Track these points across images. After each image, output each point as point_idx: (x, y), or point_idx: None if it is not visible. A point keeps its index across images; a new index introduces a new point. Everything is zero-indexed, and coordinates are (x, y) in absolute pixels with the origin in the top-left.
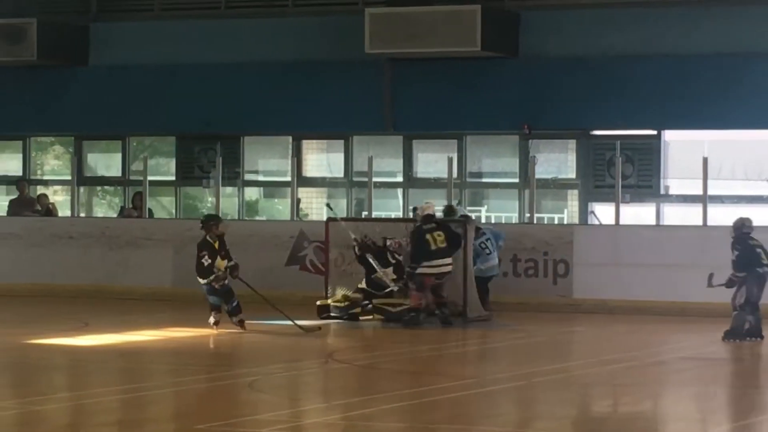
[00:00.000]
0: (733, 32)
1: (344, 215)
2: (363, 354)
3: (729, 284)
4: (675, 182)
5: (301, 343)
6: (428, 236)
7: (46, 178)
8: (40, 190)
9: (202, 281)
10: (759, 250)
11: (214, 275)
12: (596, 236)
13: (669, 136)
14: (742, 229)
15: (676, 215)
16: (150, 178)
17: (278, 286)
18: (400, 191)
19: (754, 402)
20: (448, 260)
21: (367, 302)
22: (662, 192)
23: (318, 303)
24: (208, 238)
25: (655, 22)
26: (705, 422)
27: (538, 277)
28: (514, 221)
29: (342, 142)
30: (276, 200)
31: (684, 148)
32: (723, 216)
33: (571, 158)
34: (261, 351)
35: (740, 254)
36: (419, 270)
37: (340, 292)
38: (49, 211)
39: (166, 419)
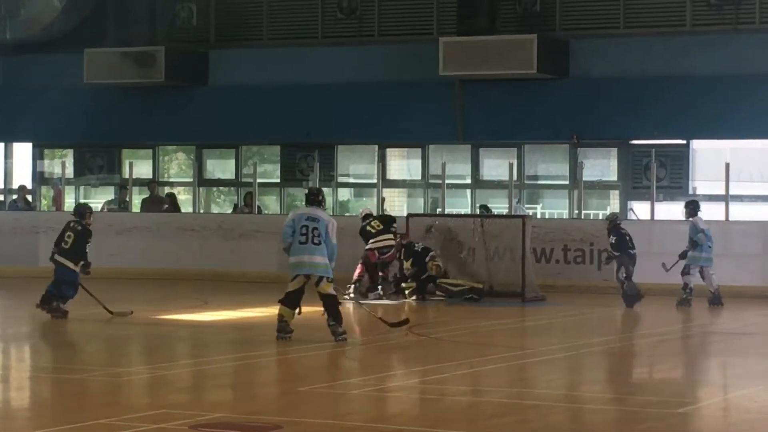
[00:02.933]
0: (752, 56)
1: (422, 212)
2: (436, 328)
3: (607, 261)
4: (701, 183)
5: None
6: (368, 227)
7: (172, 180)
8: (167, 190)
9: None
10: (627, 237)
11: None
12: (635, 229)
13: (696, 144)
14: (615, 221)
15: (703, 212)
16: (259, 180)
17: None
18: (468, 192)
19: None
20: (387, 236)
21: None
22: (690, 192)
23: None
24: None
25: (684, 47)
26: (727, 387)
27: (585, 264)
28: (564, 217)
29: (420, 150)
30: (364, 199)
31: (709, 155)
32: (742, 212)
33: (613, 163)
34: (351, 326)
35: (616, 240)
36: (366, 248)
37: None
38: (176, 203)
39: (274, 383)
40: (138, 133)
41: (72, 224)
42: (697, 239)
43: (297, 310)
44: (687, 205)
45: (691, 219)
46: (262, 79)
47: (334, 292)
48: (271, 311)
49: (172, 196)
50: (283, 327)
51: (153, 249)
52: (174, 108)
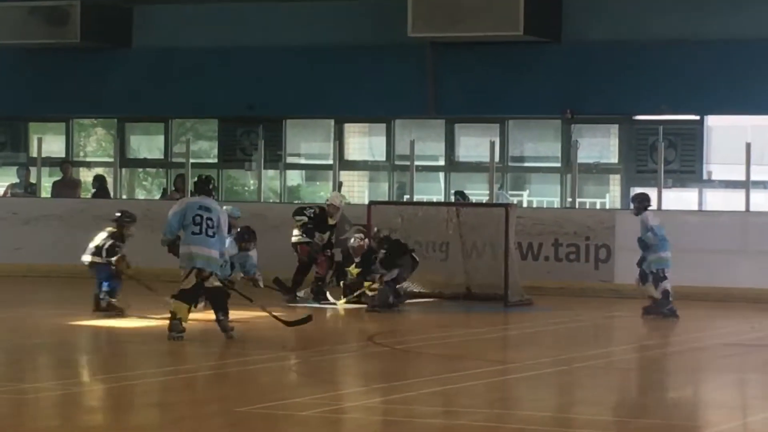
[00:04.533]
0: None
1: (386, 199)
2: (403, 337)
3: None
4: (717, 167)
5: (343, 327)
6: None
7: (88, 159)
8: (83, 171)
9: None
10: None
11: None
12: (639, 221)
13: (712, 121)
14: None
15: (719, 200)
16: (192, 160)
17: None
18: (441, 175)
19: None
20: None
21: None
22: (705, 177)
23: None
24: None
25: (698, 6)
26: (746, 409)
27: (580, 262)
28: (555, 206)
29: (384, 125)
30: (318, 183)
31: (727, 134)
32: (766, 202)
33: (614, 143)
34: (302, 334)
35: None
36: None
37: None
38: (105, 188)
39: (208, 401)
40: (48, 103)
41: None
42: (646, 238)
43: (193, 305)
44: (634, 200)
45: (639, 216)
46: (197, 40)
47: (219, 284)
48: (204, 316)
49: (100, 180)
50: (175, 326)
51: (65, 242)
52: (91, 74)
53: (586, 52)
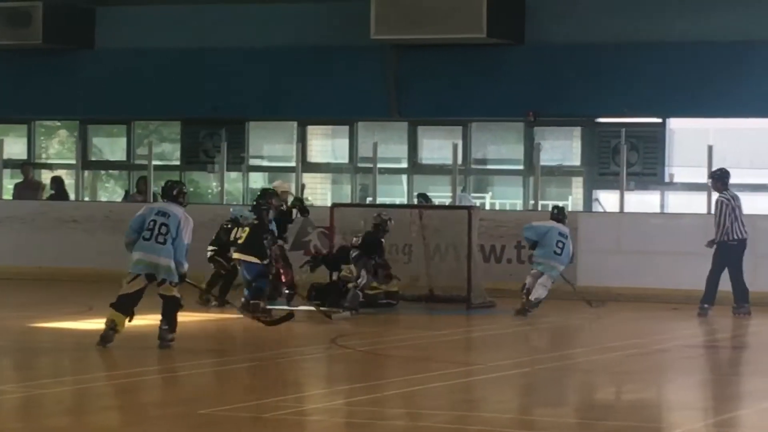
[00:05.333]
0: (740, 19)
1: (349, 201)
2: (366, 340)
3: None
4: (679, 170)
5: (306, 329)
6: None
7: (51, 162)
8: (45, 173)
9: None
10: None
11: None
12: (601, 224)
13: (674, 124)
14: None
15: (681, 203)
16: (155, 162)
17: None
18: (404, 177)
19: (755, 389)
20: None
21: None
22: (667, 180)
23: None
24: None
25: (662, 9)
26: (707, 410)
27: None
28: (518, 208)
29: (347, 128)
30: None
31: (689, 136)
32: None
33: (576, 145)
34: (267, 336)
35: None
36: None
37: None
38: (63, 190)
39: (170, 404)
40: (10, 105)
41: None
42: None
43: (129, 318)
44: None
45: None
46: (160, 42)
47: (177, 295)
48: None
49: (58, 181)
50: (108, 336)
51: (27, 244)
52: (54, 75)
53: (549, 55)
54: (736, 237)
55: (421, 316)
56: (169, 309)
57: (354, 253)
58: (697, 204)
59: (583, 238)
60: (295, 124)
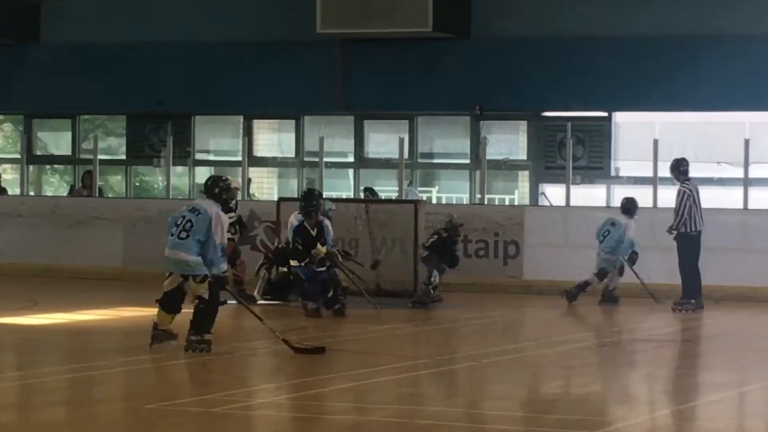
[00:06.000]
0: (684, 15)
1: (295, 195)
2: (312, 335)
3: None
4: (625, 164)
5: (255, 324)
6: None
7: None
8: None
9: None
10: None
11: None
12: (547, 217)
13: (620, 117)
14: None
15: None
16: (100, 156)
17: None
18: (351, 171)
19: (702, 383)
20: None
21: None
22: (613, 174)
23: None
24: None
25: (608, 4)
26: (654, 403)
27: (489, 258)
28: (464, 202)
29: (293, 122)
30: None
31: (635, 130)
32: (673, 198)
33: (522, 139)
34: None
35: None
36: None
37: None
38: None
39: (117, 399)
40: None
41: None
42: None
43: (175, 313)
44: None
45: None
46: (105, 36)
47: (203, 294)
48: (114, 314)
49: None
50: (157, 335)
51: None
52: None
53: (495, 49)
54: (695, 228)
55: (368, 311)
56: (195, 308)
57: (425, 254)
58: (644, 197)
59: (529, 232)
60: (241, 118)
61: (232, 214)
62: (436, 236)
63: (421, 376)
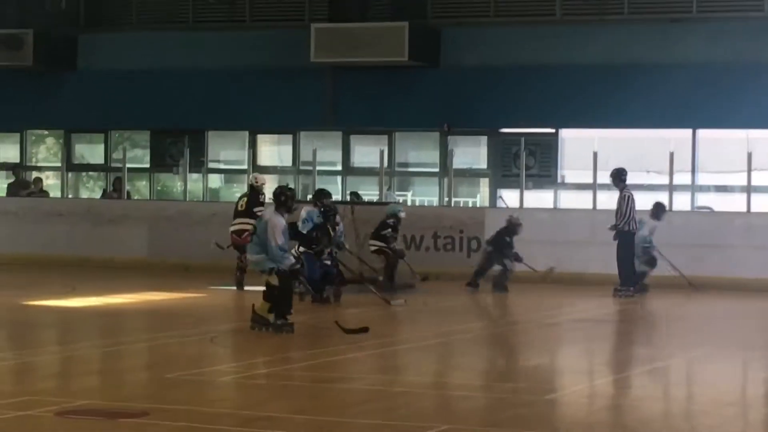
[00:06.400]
0: (619, 48)
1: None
2: (307, 316)
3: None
4: (570, 172)
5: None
6: (239, 201)
7: (40, 165)
8: (35, 175)
9: None
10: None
11: None
12: (503, 217)
13: (565, 133)
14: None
15: (571, 200)
16: (128, 165)
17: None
18: (339, 178)
19: (633, 357)
20: (244, 220)
21: None
22: (559, 180)
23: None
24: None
25: (554, 37)
26: (592, 374)
27: (455, 252)
28: (435, 204)
29: (291, 136)
30: (235, 186)
31: (577, 144)
32: (609, 201)
33: (483, 152)
34: (222, 312)
35: None
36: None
37: None
38: (43, 191)
39: (141, 369)
40: (5, 117)
41: None
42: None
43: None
44: None
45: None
46: (132, 64)
47: (273, 282)
48: (140, 298)
49: (40, 180)
50: (256, 317)
51: (19, 234)
52: (42, 93)
53: (460, 76)
54: (634, 227)
55: (352, 295)
56: (264, 296)
57: (488, 248)
58: (584, 201)
59: (488, 230)
60: (246, 133)
61: (260, 208)
62: (496, 233)
63: (398, 350)
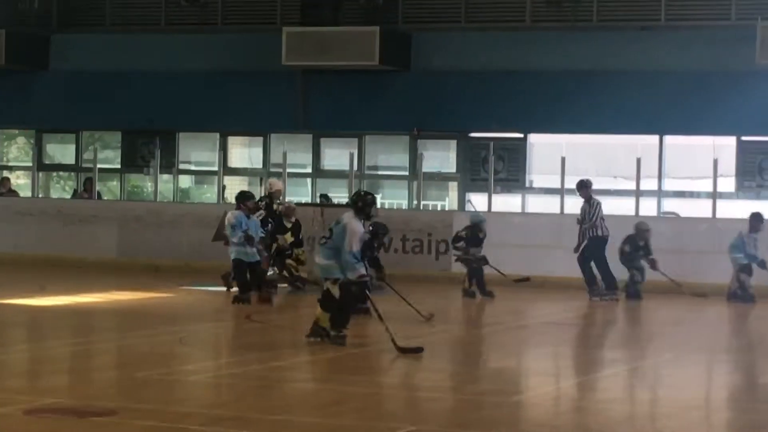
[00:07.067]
0: (586, 55)
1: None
2: (277, 315)
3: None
4: (538, 177)
5: (225, 306)
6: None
7: (11, 164)
8: (5, 174)
9: None
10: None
11: None
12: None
13: (533, 138)
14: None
15: (539, 204)
16: (99, 165)
17: (207, 257)
18: (309, 180)
19: (599, 360)
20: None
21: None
22: (527, 185)
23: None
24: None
25: (523, 43)
26: (559, 376)
27: (423, 254)
28: (404, 207)
29: (261, 138)
30: (205, 186)
31: (546, 149)
32: (577, 205)
33: (452, 156)
34: (190, 312)
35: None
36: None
37: None
38: (12, 191)
39: (110, 368)
40: None
41: None
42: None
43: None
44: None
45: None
46: (104, 65)
47: (334, 293)
48: (109, 297)
49: (8, 180)
50: (314, 331)
51: None
52: (14, 92)
53: (430, 80)
54: (605, 233)
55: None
56: (327, 305)
57: (626, 249)
58: (552, 205)
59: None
60: (217, 135)
61: (261, 211)
62: (628, 238)
63: (368, 352)
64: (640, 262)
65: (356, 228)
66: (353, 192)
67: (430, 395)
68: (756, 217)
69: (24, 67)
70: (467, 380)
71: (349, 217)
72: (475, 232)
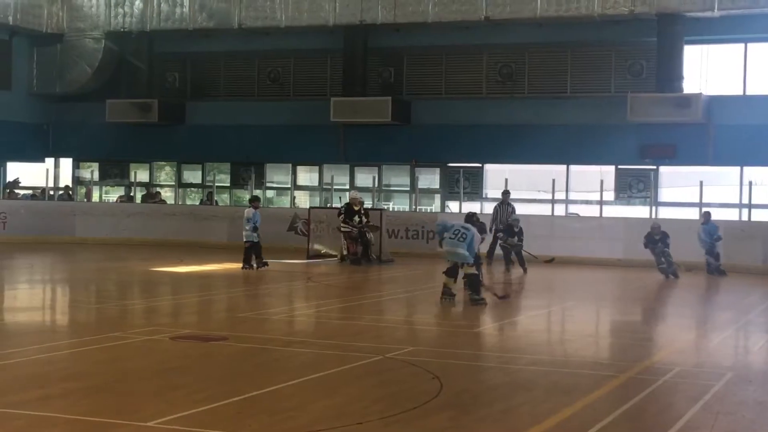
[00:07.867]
0: (520, 113)
1: (318, 206)
2: (328, 278)
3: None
4: (491, 191)
5: (291, 274)
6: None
7: (162, 183)
8: (157, 190)
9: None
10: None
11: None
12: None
13: (488, 167)
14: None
15: (491, 207)
16: (216, 184)
17: (285, 241)
18: (347, 194)
19: (523, 306)
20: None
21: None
22: (483, 196)
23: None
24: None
25: (481, 107)
26: (501, 317)
27: (418, 240)
28: (406, 210)
29: (317, 167)
30: (283, 197)
31: (495, 173)
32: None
33: (437, 178)
34: (272, 276)
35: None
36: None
37: (318, 247)
38: (162, 200)
39: (223, 311)
40: (140, 153)
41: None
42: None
43: (455, 279)
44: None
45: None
46: (220, 121)
47: (474, 272)
48: (223, 266)
49: (157, 194)
50: (447, 290)
51: (146, 227)
52: (163, 138)
53: (423, 131)
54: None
55: (353, 266)
56: (470, 281)
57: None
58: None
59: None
60: (290, 165)
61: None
62: (649, 235)
63: (382, 300)
64: (661, 250)
65: (478, 237)
66: (440, 208)
67: (423, 327)
68: (705, 215)
69: (169, 123)
70: (444, 317)
71: (474, 230)
72: (511, 227)
